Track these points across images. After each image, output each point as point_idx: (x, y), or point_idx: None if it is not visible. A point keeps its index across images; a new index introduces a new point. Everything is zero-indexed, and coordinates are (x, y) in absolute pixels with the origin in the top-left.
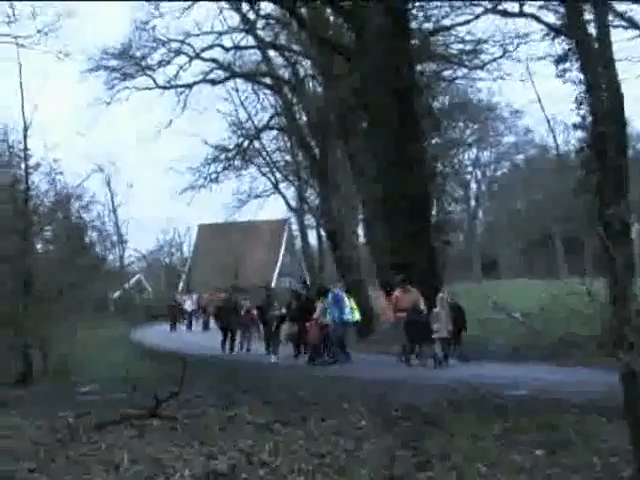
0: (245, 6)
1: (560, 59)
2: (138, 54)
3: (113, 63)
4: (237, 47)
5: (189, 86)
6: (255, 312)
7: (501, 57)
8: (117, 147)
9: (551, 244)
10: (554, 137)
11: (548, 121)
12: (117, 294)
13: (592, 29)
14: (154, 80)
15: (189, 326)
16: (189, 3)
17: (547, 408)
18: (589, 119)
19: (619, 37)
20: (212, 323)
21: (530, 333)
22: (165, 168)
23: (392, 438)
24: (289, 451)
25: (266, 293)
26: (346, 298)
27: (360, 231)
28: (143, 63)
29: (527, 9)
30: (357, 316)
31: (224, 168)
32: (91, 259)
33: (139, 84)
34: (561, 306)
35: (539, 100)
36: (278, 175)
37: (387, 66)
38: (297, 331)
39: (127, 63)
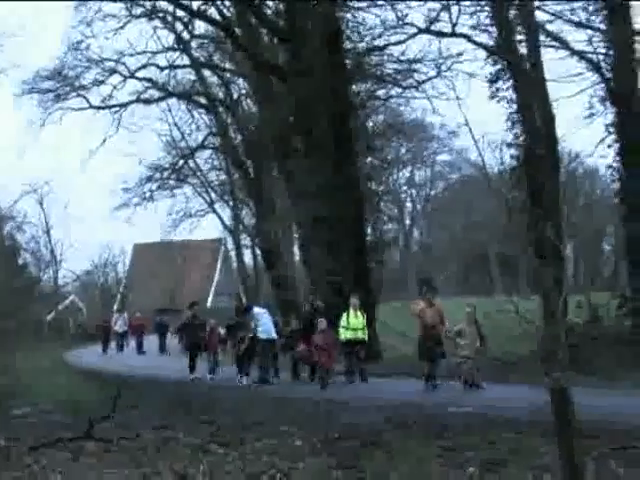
0: (179, 25)
1: (493, 79)
2: (71, 74)
3: (46, 84)
4: (171, 66)
5: (123, 105)
6: (221, 331)
7: (435, 77)
8: (57, 168)
9: (487, 263)
10: (482, 159)
11: (476, 143)
12: (51, 315)
13: (524, 49)
14: (87, 100)
15: (120, 348)
16: (122, 22)
17: (486, 426)
18: (521, 138)
19: (550, 57)
20: (146, 345)
21: None
22: (103, 188)
23: (329, 458)
24: (224, 472)
25: (236, 311)
26: (264, 316)
27: (296, 250)
28: (76, 83)
29: (460, 29)
30: (361, 335)
31: (159, 187)
32: (25, 280)
33: (73, 105)
34: (497, 324)
35: (467, 124)
36: (213, 195)
37: (322, 86)
38: (306, 351)
39: (60, 84)
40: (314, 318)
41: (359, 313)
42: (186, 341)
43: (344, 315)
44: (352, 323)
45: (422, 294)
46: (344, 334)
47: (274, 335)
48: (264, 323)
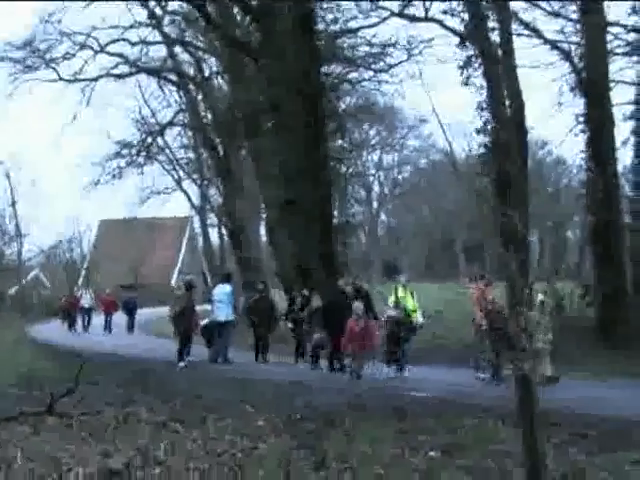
0: (152, 2)
1: (464, 65)
2: (42, 47)
3: (17, 55)
4: (143, 42)
5: (94, 80)
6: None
7: (406, 60)
8: (23, 141)
9: (453, 248)
10: (449, 145)
11: (443, 130)
12: (14, 289)
13: (496, 36)
14: (58, 73)
15: (86, 326)
16: None
17: (446, 410)
18: (491, 126)
19: (522, 45)
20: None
21: (432, 336)
22: (71, 163)
23: (290, 438)
24: (185, 450)
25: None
26: (223, 297)
27: (262, 231)
28: (47, 56)
29: (433, 14)
30: (418, 317)
31: (127, 164)
32: None
33: (42, 76)
34: (462, 309)
35: (434, 110)
36: (181, 173)
37: (294, 67)
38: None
39: (31, 55)
40: (350, 300)
41: (408, 293)
42: (182, 327)
43: (392, 295)
44: (401, 304)
45: (478, 276)
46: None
47: (231, 317)
48: (220, 305)
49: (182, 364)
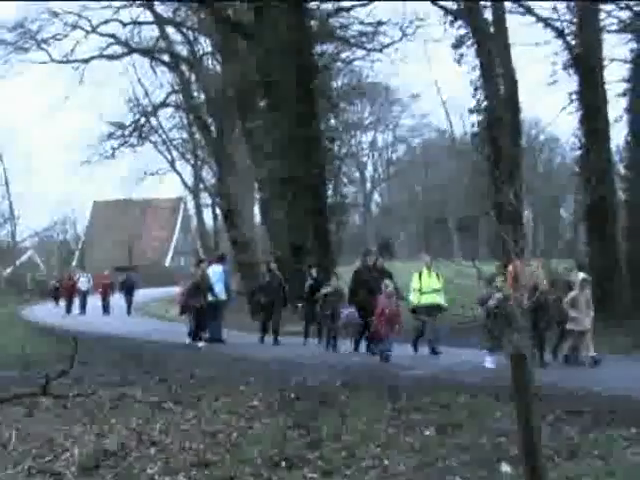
0: None
1: (457, 43)
2: (33, 27)
3: (8, 37)
4: (135, 22)
5: (85, 61)
6: None
7: (400, 40)
8: (17, 122)
9: (447, 227)
10: (449, 122)
11: (444, 104)
12: (8, 271)
13: (488, 14)
14: (49, 54)
15: (82, 308)
16: None
17: (441, 389)
18: (484, 104)
19: (515, 23)
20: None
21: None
22: (64, 144)
23: (285, 418)
24: (180, 430)
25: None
26: (218, 276)
27: (256, 211)
28: (38, 37)
29: None
30: (438, 299)
31: (120, 145)
32: None
33: (34, 58)
34: (457, 287)
35: (436, 84)
36: (175, 153)
37: (286, 46)
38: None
39: (22, 37)
40: (376, 279)
41: (433, 273)
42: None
43: (415, 276)
44: (426, 285)
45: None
46: (418, 299)
47: (223, 297)
48: (217, 283)
49: (202, 343)
